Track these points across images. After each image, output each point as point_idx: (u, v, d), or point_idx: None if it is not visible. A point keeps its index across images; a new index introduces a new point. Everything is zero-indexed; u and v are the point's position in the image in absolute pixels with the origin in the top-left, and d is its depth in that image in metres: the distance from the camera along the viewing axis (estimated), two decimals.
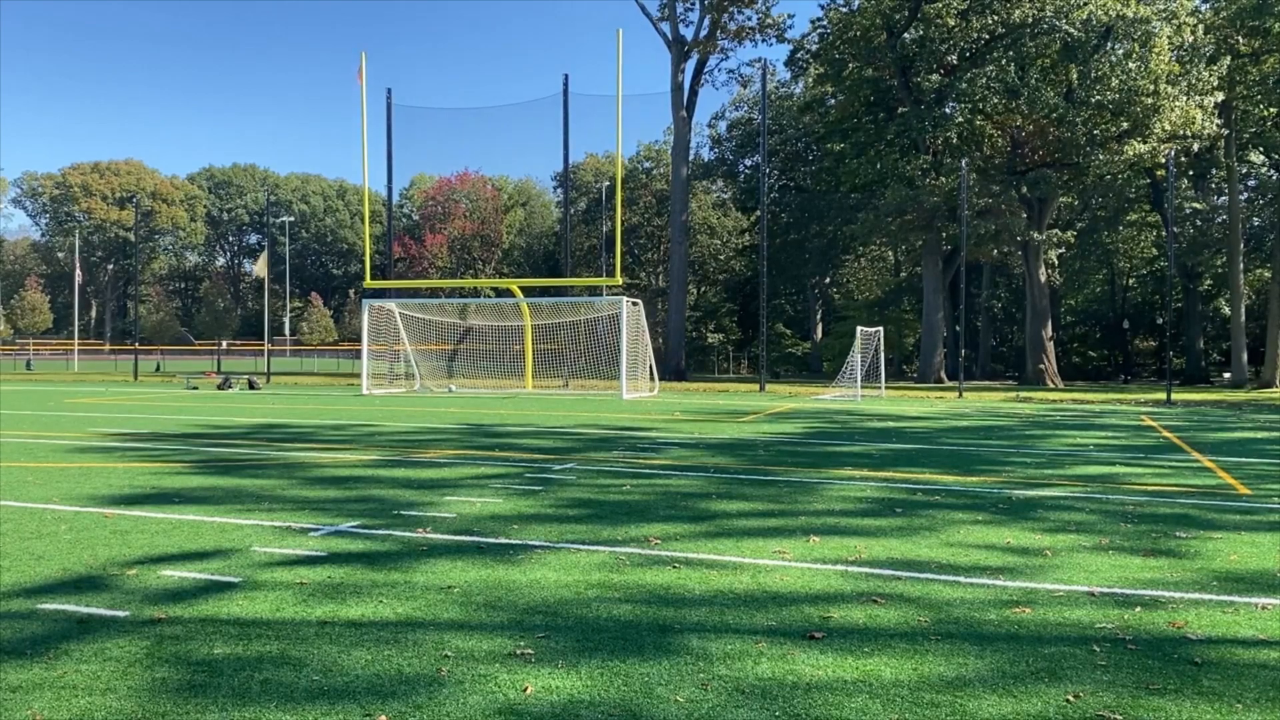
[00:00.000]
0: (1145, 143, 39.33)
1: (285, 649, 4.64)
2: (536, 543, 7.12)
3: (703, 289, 68.35)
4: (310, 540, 7.19)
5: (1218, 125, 40.24)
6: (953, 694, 4.12)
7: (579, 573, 6.21)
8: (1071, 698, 4.09)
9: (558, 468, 11.50)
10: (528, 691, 4.09)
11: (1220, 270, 48.93)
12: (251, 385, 34.22)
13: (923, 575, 6.22)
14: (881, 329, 32.67)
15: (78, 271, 73.43)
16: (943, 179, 41.77)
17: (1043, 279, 45.36)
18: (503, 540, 7.20)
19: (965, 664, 4.52)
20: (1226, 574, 6.36)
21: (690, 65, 47.07)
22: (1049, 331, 45.62)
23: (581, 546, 7.02)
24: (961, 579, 6.14)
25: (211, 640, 4.76)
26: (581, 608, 5.41)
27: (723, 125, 66.09)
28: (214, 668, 4.36)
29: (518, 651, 4.62)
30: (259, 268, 50.41)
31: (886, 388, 33.92)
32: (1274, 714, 3.96)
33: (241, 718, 3.80)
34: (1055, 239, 43.19)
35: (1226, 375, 47.05)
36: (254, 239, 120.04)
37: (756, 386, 36.84)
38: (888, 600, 5.62)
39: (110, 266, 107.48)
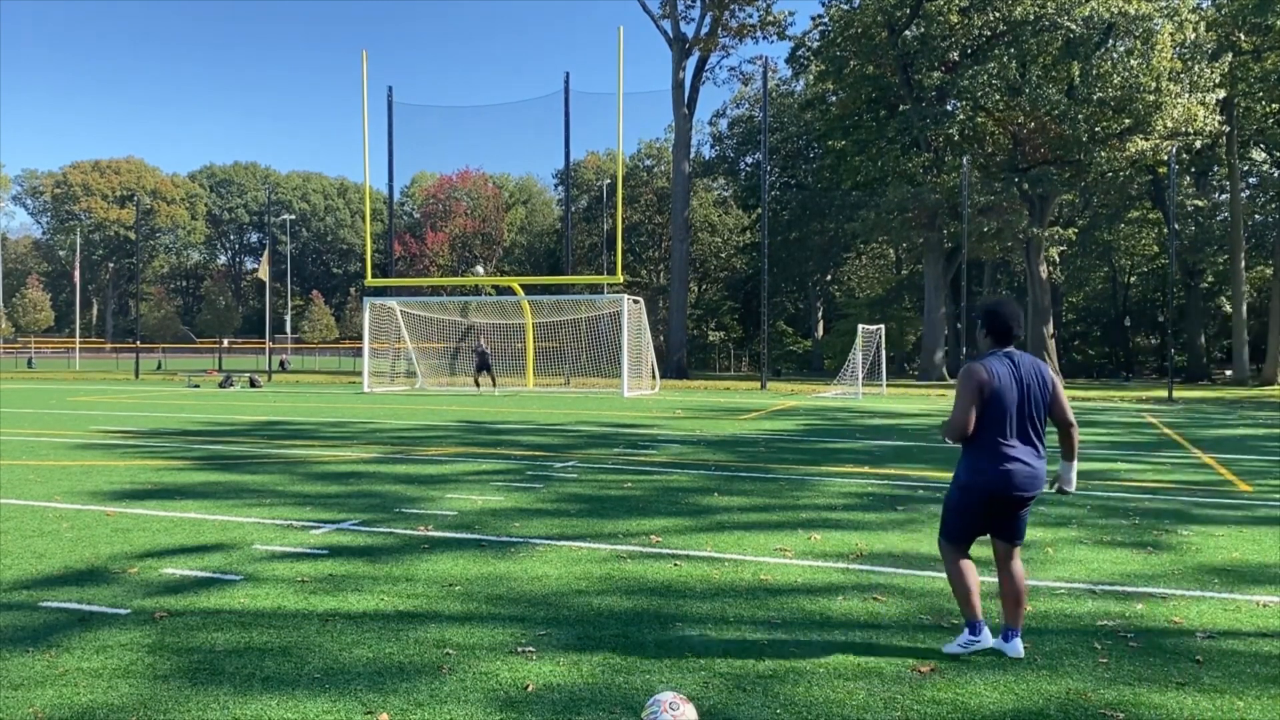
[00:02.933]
0: (1147, 140, 39.27)
1: (287, 644, 4.64)
2: (537, 539, 7.12)
3: (704, 287, 68.30)
4: (311, 536, 7.19)
5: (1219, 122, 40.16)
6: (954, 690, 4.12)
7: (580, 569, 6.22)
8: (1073, 694, 4.09)
9: (559, 465, 11.50)
10: (529, 687, 4.09)
11: (1222, 267, 48.85)
12: (253, 383, 34.23)
13: (923, 572, 6.22)
14: (883, 326, 32.64)
15: (78, 270, 73.46)
16: (944, 176, 41.73)
17: (1044, 276, 45.30)
18: (504, 536, 7.20)
19: (966, 659, 4.52)
20: (1228, 570, 6.36)
21: (691, 63, 47.02)
22: (1050, 329, 45.56)
23: (582, 543, 7.02)
24: None
25: (213, 636, 4.77)
26: (582, 603, 5.41)
27: (724, 123, 66.05)
28: (215, 663, 4.37)
29: (519, 647, 4.62)
30: (262, 269, 50.69)
31: (888, 385, 33.91)
32: (1276, 710, 3.96)
33: (243, 713, 3.80)
34: (1056, 236, 43.14)
35: (1228, 372, 46.98)
36: (255, 237, 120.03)
37: (758, 384, 36.84)
38: (888, 596, 5.62)
39: (111, 265, 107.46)
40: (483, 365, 30.06)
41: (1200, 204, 48.97)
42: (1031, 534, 7.48)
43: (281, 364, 57.51)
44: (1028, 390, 4.46)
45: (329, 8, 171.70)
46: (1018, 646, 4.53)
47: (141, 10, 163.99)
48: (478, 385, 30.38)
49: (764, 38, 49.08)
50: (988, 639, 4.56)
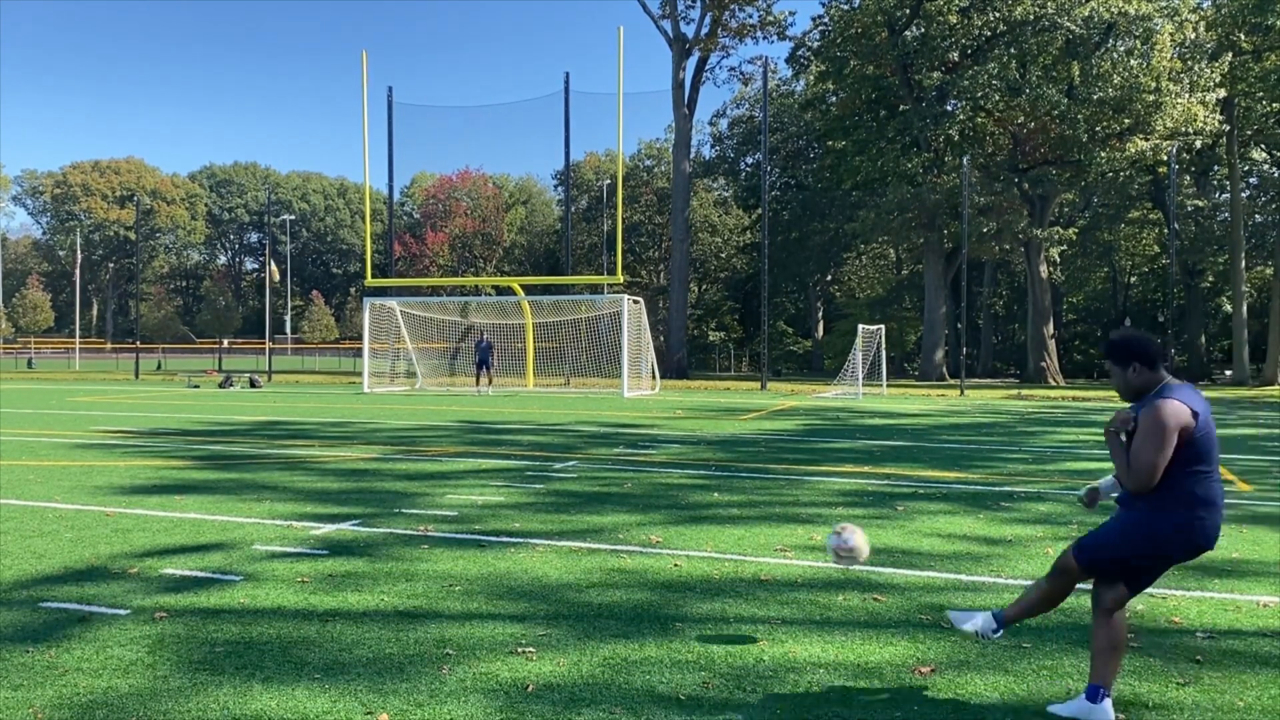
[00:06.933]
0: (1147, 140, 39.26)
1: (287, 644, 4.64)
2: (538, 538, 7.12)
3: (704, 287, 68.28)
4: (311, 536, 7.19)
5: (1219, 122, 40.15)
6: (954, 690, 4.12)
7: (580, 568, 6.22)
8: (1074, 694, 4.09)
9: (559, 464, 11.50)
10: (529, 687, 4.09)
11: (1222, 268, 48.82)
12: (253, 383, 34.23)
13: (924, 571, 6.22)
14: (883, 327, 32.63)
15: (78, 270, 73.43)
16: (944, 176, 41.73)
17: (1044, 276, 45.28)
18: (504, 536, 7.20)
19: (966, 659, 4.52)
20: (1228, 570, 6.36)
21: (691, 63, 47.00)
22: (1050, 329, 45.55)
23: (582, 542, 7.02)
24: (963, 575, 6.14)
25: (213, 636, 4.77)
26: (583, 603, 5.41)
27: (724, 123, 66.00)
28: (215, 663, 4.37)
29: (519, 647, 4.62)
30: (270, 272, 51.44)
31: (888, 385, 33.90)
32: (1276, 710, 3.96)
33: (243, 713, 3.80)
34: (1057, 236, 43.13)
35: (1228, 372, 46.96)
36: (255, 237, 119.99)
37: (758, 384, 36.83)
38: (888, 596, 5.62)
39: (111, 265, 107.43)
40: (484, 363, 30.00)
41: (1200, 204, 48.95)
42: (1031, 532, 7.49)
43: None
44: (1212, 423, 3.88)
45: (329, 8, 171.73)
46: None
47: (142, 10, 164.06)
48: (483, 382, 30.37)
49: (764, 38, 49.07)
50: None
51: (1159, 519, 3.82)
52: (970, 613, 4.35)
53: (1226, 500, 9.13)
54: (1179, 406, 3.76)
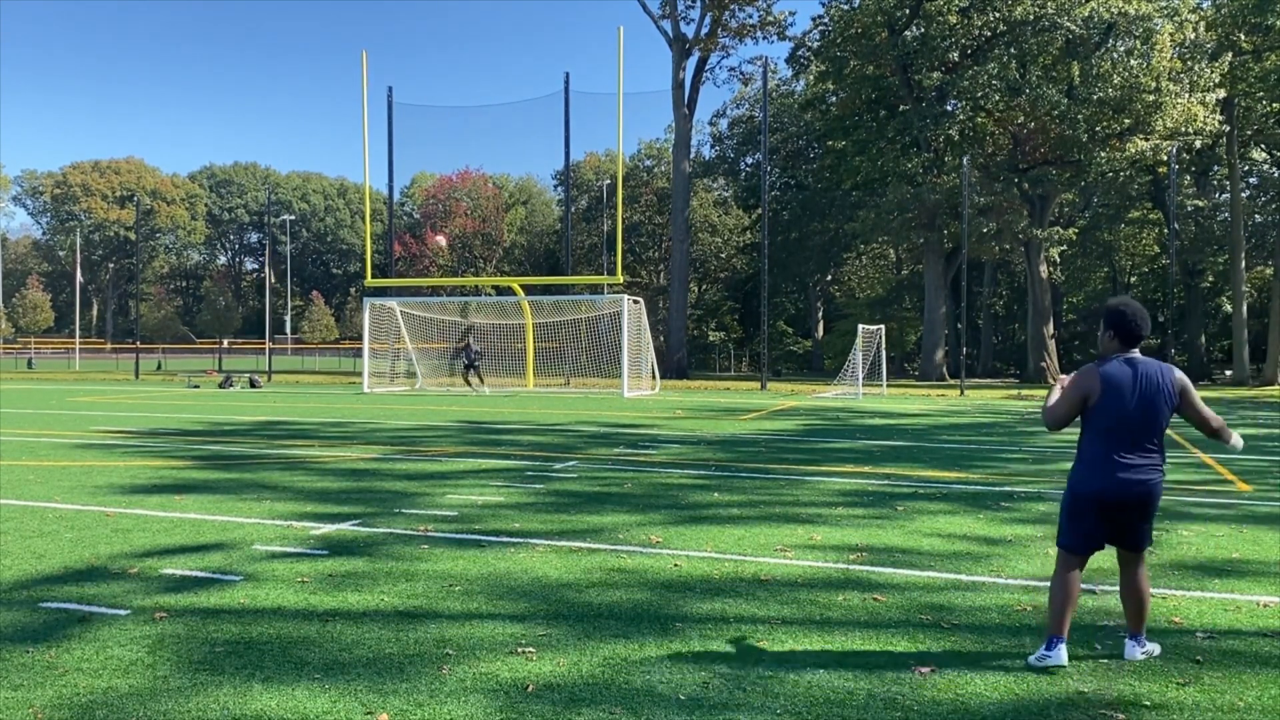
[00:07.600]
0: (1147, 140, 39.25)
1: (287, 644, 4.64)
2: (537, 538, 7.12)
3: (704, 287, 68.26)
4: (311, 536, 7.19)
5: (1219, 122, 40.15)
6: (954, 690, 4.12)
7: (580, 568, 6.22)
8: (1073, 694, 4.09)
9: (559, 464, 11.50)
10: (529, 687, 4.09)
11: (1222, 268, 48.82)
12: (253, 384, 34.22)
13: (924, 572, 6.22)
14: (883, 327, 32.63)
15: (78, 270, 73.40)
16: (944, 177, 41.72)
17: (1044, 276, 45.27)
18: (504, 536, 7.20)
19: (966, 659, 4.52)
20: (1228, 570, 6.36)
21: (691, 63, 47.01)
22: (1051, 329, 45.55)
23: (582, 542, 7.02)
24: (963, 575, 6.14)
25: (213, 636, 4.77)
26: (583, 603, 5.41)
27: (724, 123, 65.97)
28: (215, 663, 4.37)
29: (519, 647, 4.62)
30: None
31: (888, 385, 33.90)
32: (1277, 710, 3.96)
33: (243, 713, 3.80)
34: (1057, 236, 43.13)
35: (1228, 372, 46.98)
36: (255, 237, 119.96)
37: (758, 384, 36.83)
38: (888, 596, 5.62)
39: (111, 265, 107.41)
40: (470, 364, 30.21)
41: (1200, 204, 48.93)
42: (1031, 532, 7.48)
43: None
44: (1147, 398, 4.36)
45: (329, 8, 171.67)
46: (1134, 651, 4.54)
47: (142, 10, 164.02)
48: (468, 384, 30.49)
49: (764, 38, 49.06)
50: (1061, 656, 4.40)
51: (1072, 477, 4.53)
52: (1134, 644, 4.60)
53: (1227, 500, 9.17)
54: (1089, 373, 4.41)
